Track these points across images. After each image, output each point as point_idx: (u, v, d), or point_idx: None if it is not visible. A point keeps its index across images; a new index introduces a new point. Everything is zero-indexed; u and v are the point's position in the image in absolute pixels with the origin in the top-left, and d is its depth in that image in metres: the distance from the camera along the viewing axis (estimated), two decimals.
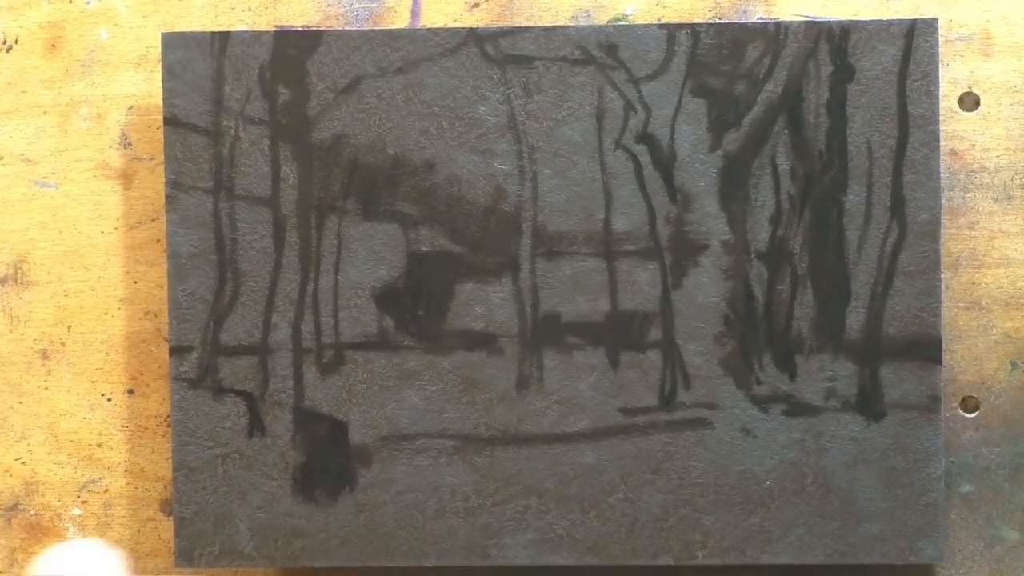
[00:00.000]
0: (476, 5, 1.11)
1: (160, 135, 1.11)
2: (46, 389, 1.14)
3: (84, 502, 1.14)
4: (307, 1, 1.12)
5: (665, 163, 1.06)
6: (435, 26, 1.11)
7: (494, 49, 1.06)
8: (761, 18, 1.10)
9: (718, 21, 1.10)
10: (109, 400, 1.13)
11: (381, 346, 1.07)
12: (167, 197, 1.07)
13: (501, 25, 1.11)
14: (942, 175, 1.08)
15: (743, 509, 1.06)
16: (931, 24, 1.05)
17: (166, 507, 1.13)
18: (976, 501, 1.10)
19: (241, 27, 1.12)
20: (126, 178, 1.13)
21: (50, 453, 1.14)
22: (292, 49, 1.07)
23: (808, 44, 1.05)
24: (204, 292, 1.07)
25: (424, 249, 1.07)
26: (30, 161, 1.13)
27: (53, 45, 1.13)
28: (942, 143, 1.08)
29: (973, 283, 1.09)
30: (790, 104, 1.06)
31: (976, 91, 1.09)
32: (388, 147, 1.07)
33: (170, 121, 1.07)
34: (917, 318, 1.05)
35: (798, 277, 1.06)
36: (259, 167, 1.07)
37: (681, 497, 1.06)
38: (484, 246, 1.07)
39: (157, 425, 1.13)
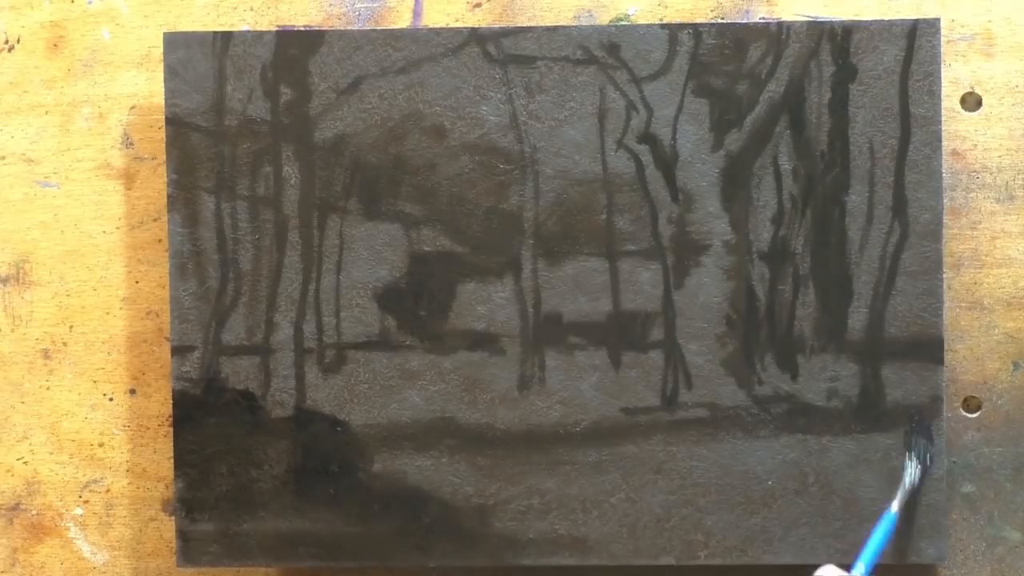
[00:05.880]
0: (478, 5, 1.11)
1: (162, 135, 1.11)
2: (48, 389, 1.14)
3: (86, 502, 1.14)
4: (309, 1, 1.12)
5: (667, 163, 1.06)
6: (437, 26, 1.11)
7: (496, 49, 1.06)
8: (763, 18, 1.10)
9: (720, 21, 1.10)
10: (111, 400, 1.13)
11: (383, 346, 1.07)
12: (169, 197, 1.07)
13: (503, 25, 1.11)
14: (944, 175, 1.08)
15: (745, 509, 1.06)
16: (933, 24, 1.05)
17: (168, 507, 1.13)
18: (978, 501, 1.10)
19: (243, 27, 1.12)
20: (128, 178, 1.13)
21: (52, 453, 1.14)
22: (294, 49, 1.07)
23: (810, 44, 1.05)
24: (206, 292, 1.07)
25: (426, 249, 1.07)
26: (32, 161, 1.13)
27: (55, 45, 1.13)
28: (944, 143, 1.08)
29: (975, 283, 1.09)
30: (792, 104, 1.06)
31: (978, 91, 1.09)
32: (390, 147, 1.07)
33: (172, 121, 1.07)
34: (919, 318, 1.05)
35: (800, 277, 1.06)
36: (261, 167, 1.07)
37: (683, 497, 1.06)
38: (486, 246, 1.07)
39: (159, 425, 1.13)
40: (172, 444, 1.09)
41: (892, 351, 1.05)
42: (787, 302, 1.06)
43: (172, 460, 1.09)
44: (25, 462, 1.14)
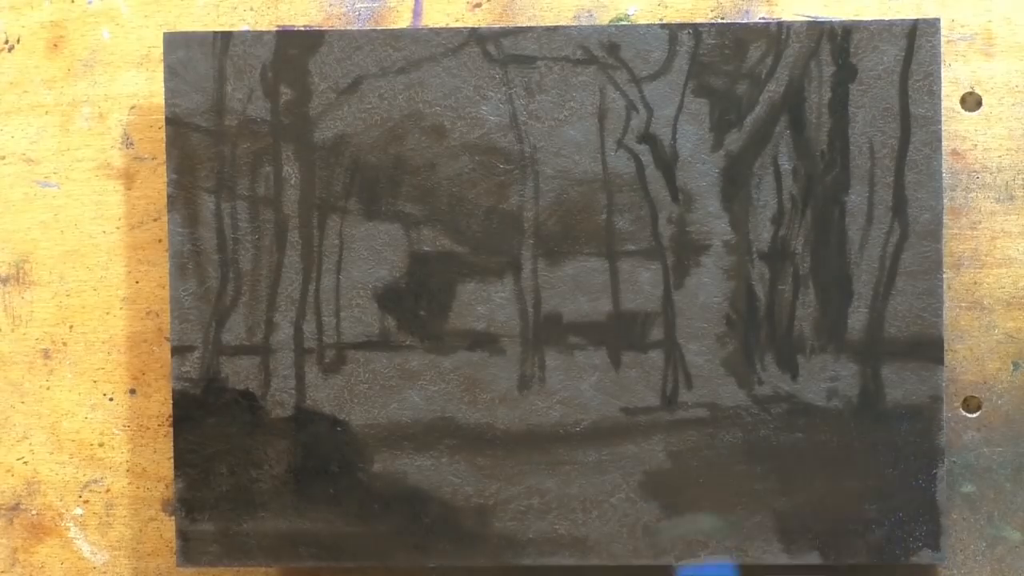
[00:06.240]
0: (478, 5, 1.11)
1: (162, 135, 1.11)
2: (48, 389, 1.14)
3: (86, 502, 1.14)
4: (309, 1, 1.12)
5: (667, 163, 1.06)
6: (437, 26, 1.11)
7: (496, 49, 1.06)
8: (763, 18, 1.10)
9: (720, 21, 1.10)
10: (111, 400, 1.13)
11: (383, 346, 1.07)
12: (169, 197, 1.07)
13: (503, 25, 1.11)
14: (944, 175, 1.08)
15: (745, 509, 1.06)
16: (933, 24, 1.05)
17: (168, 507, 1.13)
18: (978, 501, 1.10)
19: (243, 27, 1.12)
20: (128, 178, 1.13)
21: (52, 453, 1.14)
22: (294, 49, 1.07)
23: (810, 44, 1.05)
24: (206, 292, 1.07)
25: (426, 249, 1.07)
26: (32, 161, 1.13)
27: (55, 45, 1.13)
28: (944, 143, 1.08)
29: (975, 283, 1.09)
30: (792, 104, 1.06)
31: (978, 91, 1.09)
32: (390, 147, 1.07)
33: (172, 121, 1.07)
34: (919, 318, 1.05)
35: (800, 277, 1.06)
36: (261, 167, 1.07)
37: (683, 497, 1.06)
38: (486, 246, 1.07)
39: (159, 425, 1.13)
40: (172, 444, 1.09)
41: (892, 351, 1.05)
42: (787, 302, 1.06)
43: (172, 460, 1.09)
44: (25, 462, 1.14)
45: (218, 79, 1.07)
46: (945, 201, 1.08)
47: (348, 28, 1.11)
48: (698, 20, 1.10)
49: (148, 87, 1.12)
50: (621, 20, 1.11)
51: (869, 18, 1.08)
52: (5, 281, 1.14)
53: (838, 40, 1.05)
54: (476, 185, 1.07)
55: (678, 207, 1.06)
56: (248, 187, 1.07)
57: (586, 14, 1.11)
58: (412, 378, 1.07)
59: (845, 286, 1.06)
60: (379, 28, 1.11)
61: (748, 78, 1.06)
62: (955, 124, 1.09)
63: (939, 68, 1.05)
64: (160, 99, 1.12)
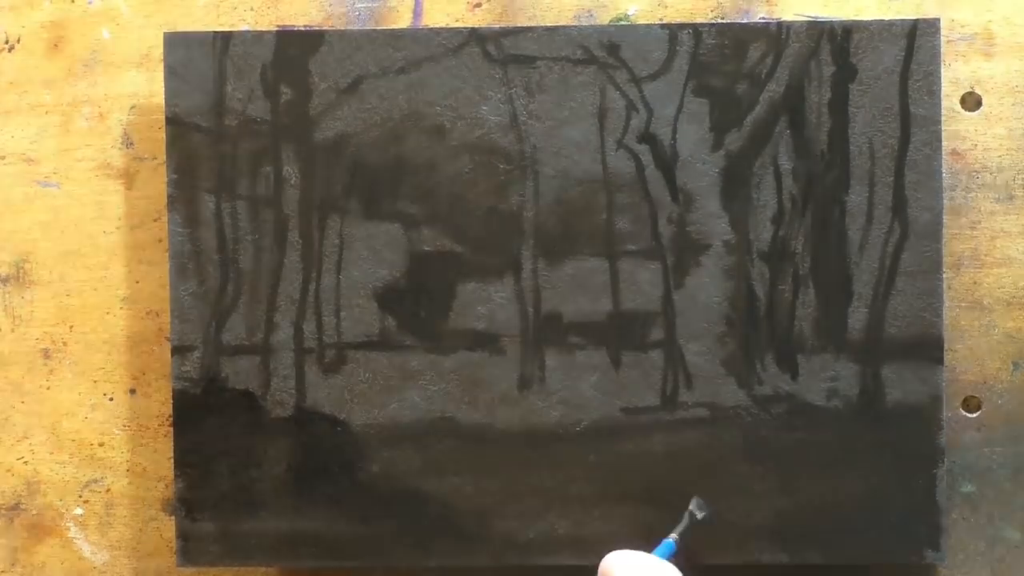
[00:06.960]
0: (478, 5, 1.11)
1: (162, 135, 1.11)
2: (48, 389, 1.14)
3: (86, 502, 1.14)
4: (309, 1, 1.12)
5: (667, 163, 1.06)
6: (437, 26, 1.11)
7: (496, 49, 1.06)
8: (763, 18, 1.10)
9: (720, 21, 1.10)
10: (111, 400, 1.13)
11: (383, 346, 1.07)
12: (169, 197, 1.07)
13: (503, 25, 1.11)
14: (944, 175, 1.08)
15: (744, 508, 1.06)
16: (933, 24, 1.05)
17: (168, 507, 1.13)
18: (978, 501, 1.10)
19: (243, 27, 1.12)
20: (128, 178, 1.13)
21: (52, 453, 1.14)
22: (294, 49, 1.07)
23: (810, 44, 1.05)
24: (206, 292, 1.07)
25: (426, 249, 1.07)
26: (32, 161, 1.13)
27: (55, 45, 1.13)
28: (944, 143, 1.08)
29: (975, 283, 1.09)
30: (792, 104, 1.06)
31: (978, 91, 1.09)
32: (390, 147, 1.07)
33: (172, 121, 1.07)
34: (919, 318, 1.05)
35: (800, 277, 1.06)
36: (261, 167, 1.07)
37: (683, 497, 1.06)
38: (486, 246, 1.07)
39: (159, 425, 1.13)
40: (172, 444, 1.09)
41: (892, 351, 1.05)
42: (787, 302, 1.06)
43: (172, 460, 1.09)
44: (25, 462, 1.14)
45: (218, 79, 1.07)
46: (945, 201, 1.08)
47: (348, 28, 1.11)
48: (698, 20, 1.10)
49: (148, 87, 1.12)
50: (621, 20, 1.11)
51: (869, 18, 1.08)
52: (5, 281, 1.14)
53: (838, 40, 1.05)
54: (476, 185, 1.07)
55: (678, 207, 1.06)
56: (248, 187, 1.07)
57: (586, 14, 1.11)
58: (412, 378, 1.07)
59: (845, 286, 1.06)
60: (379, 28, 1.11)
61: (748, 78, 1.06)
62: (955, 124, 1.09)
63: (939, 68, 1.05)
64: (160, 99, 1.12)
